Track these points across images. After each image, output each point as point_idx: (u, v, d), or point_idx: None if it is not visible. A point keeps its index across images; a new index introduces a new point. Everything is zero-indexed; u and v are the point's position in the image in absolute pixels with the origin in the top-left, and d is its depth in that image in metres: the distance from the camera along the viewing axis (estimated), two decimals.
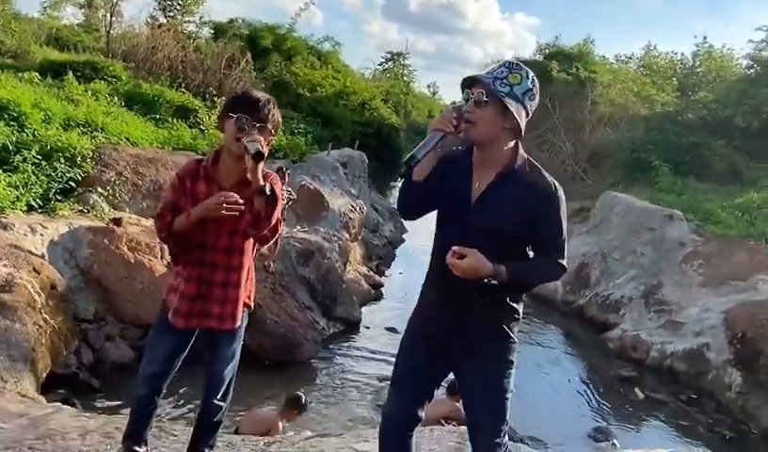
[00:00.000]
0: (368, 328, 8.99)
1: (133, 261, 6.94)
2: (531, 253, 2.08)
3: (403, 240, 15.13)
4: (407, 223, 16.51)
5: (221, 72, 20.13)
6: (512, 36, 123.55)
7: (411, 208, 2.15)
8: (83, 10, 26.40)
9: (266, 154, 2.19)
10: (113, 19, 23.43)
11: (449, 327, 2.06)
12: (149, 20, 23.68)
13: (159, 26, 22.72)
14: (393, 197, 21.28)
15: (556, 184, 2.03)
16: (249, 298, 2.45)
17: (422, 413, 2.21)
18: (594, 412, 7.78)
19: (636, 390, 8.32)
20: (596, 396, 8.28)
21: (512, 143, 2.01)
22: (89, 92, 12.19)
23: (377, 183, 19.63)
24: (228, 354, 2.44)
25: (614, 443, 6.73)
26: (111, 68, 15.56)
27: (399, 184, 2.16)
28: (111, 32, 22.29)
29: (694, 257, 10.67)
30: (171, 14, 23.97)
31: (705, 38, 26.20)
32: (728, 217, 12.89)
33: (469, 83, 2.00)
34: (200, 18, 25.23)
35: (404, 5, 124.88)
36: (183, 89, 15.29)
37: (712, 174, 17.00)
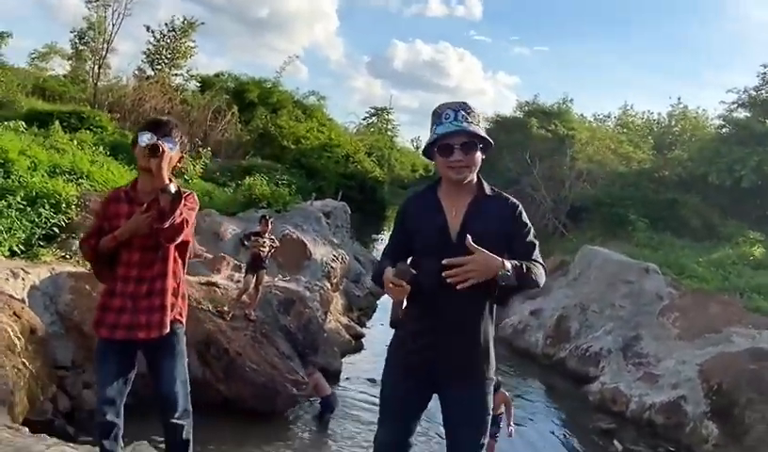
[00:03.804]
0: (348, 378, 8.92)
1: None
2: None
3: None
4: None
5: (207, 124, 20.48)
6: (493, 94, 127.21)
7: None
8: (70, 62, 26.63)
9: (165, 153, 2.35)
10: (100, 71, 23.80)
11: (434, 353, 2.18)
12: (136, 72, 24.08)
13: (146, 78, 23.12)
14: (376, 249, 21.37)
15: (515, 199, 2.28)
16: (181, 314, 2.53)
17: (412, 439, 2.32)
18: None
19: (615, 442, 8.31)
20: (574, 449, 8.25)
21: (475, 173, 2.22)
22: (75, 141, 12.33)
23: (360, 234, 19.75)
24: (169, 369, 2.49)
25: None
26: (97, 118, 15.76)
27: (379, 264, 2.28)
28: (98, 84, 22.64)
29: (670, 310, 10.83)
30: (159, 67, 24.34)
31: (679, 99, 27.41)
32: (704, 271, 13.18)
33: (443, 136, 2.14)
34: (188, 71, 25.71)
35: (388, 62, 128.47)
36: None
37: (687, 230, 17.40)
